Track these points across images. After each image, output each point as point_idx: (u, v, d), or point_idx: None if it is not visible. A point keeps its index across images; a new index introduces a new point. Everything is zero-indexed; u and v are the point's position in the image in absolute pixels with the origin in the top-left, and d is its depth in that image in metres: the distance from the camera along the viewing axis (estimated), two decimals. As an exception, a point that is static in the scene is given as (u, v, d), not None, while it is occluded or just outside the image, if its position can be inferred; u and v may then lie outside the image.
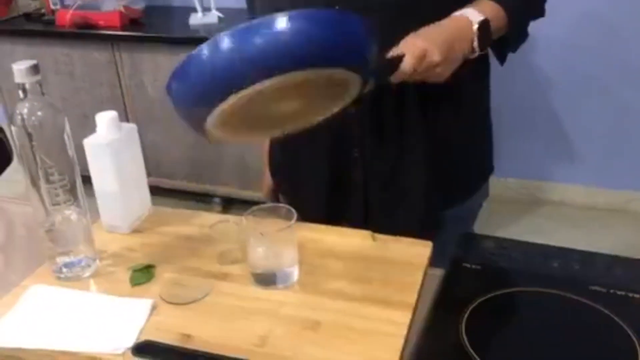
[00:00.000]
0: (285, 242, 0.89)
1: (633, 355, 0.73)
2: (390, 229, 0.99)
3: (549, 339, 0.79)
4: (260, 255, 0.89)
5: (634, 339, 0.76)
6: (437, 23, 0.95)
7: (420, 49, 0.90)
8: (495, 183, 3.18)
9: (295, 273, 0.90)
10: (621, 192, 2.62)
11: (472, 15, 0.97)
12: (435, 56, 0.91)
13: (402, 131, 1.07)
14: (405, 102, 1.05)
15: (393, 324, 0.81)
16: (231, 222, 1.00)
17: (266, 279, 0.90)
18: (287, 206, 0.91)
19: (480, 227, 1.65)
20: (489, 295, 0.85)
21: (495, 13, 1.00)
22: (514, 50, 1.09)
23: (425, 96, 1.04)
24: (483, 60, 1.11)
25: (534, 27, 1.07)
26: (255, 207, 0.91)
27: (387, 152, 1.09)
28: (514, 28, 1.04)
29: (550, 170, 2.83)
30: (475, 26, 0.96)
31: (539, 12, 1.10)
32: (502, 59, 1.10)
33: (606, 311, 0.81)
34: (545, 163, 2.82)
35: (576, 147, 2.76)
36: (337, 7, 0.92)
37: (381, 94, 1.01)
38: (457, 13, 0.98)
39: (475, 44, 0.97)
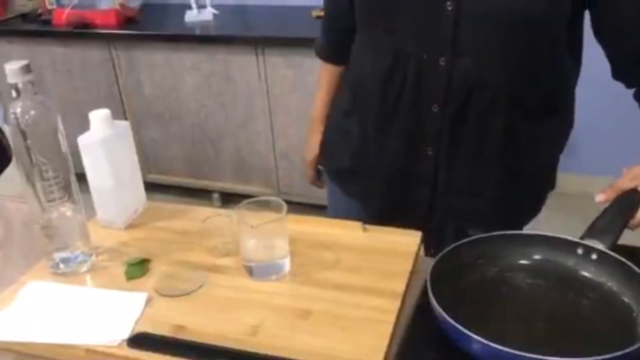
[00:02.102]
0: (276, 234, 0.91)
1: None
2: (449, 222, 1.01)
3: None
4: (252, 247, 0.91)
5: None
6: None
7: None
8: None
9: (287, 264, 0.92)
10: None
11: None
12: None
13: (480, 138, 1.04)
14: (492, 111, 1.03)
15: (382, 312, 0.83)
16: (224, 215, 1.01)
17: (258, 271, 0.91)
18: (278, 199, 0.92)
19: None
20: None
21: None
22: None
23: (514, 109, 1.03)
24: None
25: None
26: (246, 201, 0.93)
27: (463, 155, 1.06)
28: None
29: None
30: None
31: None
32: None
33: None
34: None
35: (574, 135, 2.76)
36: None
37: (468, 98, 1.01)
38: None
39: None
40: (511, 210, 1.12)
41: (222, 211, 1.07)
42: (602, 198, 0.94)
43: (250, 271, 0.92)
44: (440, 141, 1.06)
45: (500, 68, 1.00)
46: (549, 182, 1.22)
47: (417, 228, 0.98)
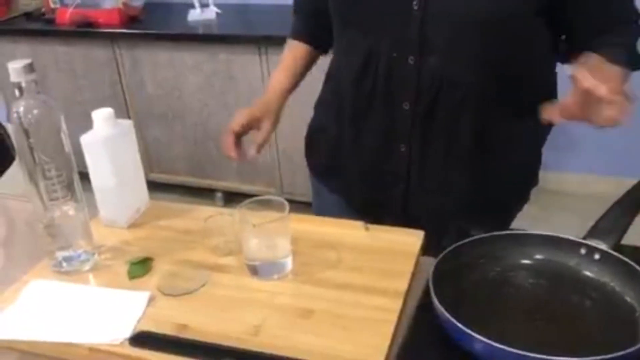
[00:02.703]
0: (278, 233, 0.91)
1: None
2: (428, 219, 1.01)
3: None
4: (254, 247, 0.91)
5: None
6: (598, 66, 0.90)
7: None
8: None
9: (289, 263, 0.92)
10: (620, 179, 2.62)
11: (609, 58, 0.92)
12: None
13: (451, 137, 1.05)
14: (462, 110, 1.04)
15: (384, 311, 0.83)
16: (226, 215, 1.01)
17: (261, 270, 0.92)
18: (280, 198, 0.92)
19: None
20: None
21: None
22: None
23: (486, 109, 1.03)
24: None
25: None
26: (248, 200, 0.93)
27: (434, 153, 1.07)
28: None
29: (546, 159, 2.83)
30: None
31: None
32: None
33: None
34: (543, 151, 2.82)
35: (571, 135, 2.76)
36: None
37: (437, 96, 1.02)
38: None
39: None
40: (488, 209, 1.11)
41: (225, 210, 1.07)
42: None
43: (252, 270, 0.92)
44: (412, 139, 1.07)
45: (468, 67, 1.01)
46: (529, 181, 1.22)
47: (398, 224, 1.00)
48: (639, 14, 1.03)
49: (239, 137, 1.16)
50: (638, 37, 1.03)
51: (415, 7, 0.98)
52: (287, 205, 0.90)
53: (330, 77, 1.21)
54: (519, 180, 1.18)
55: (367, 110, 1.09)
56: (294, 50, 1.25)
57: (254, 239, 0.91)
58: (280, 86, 1.22)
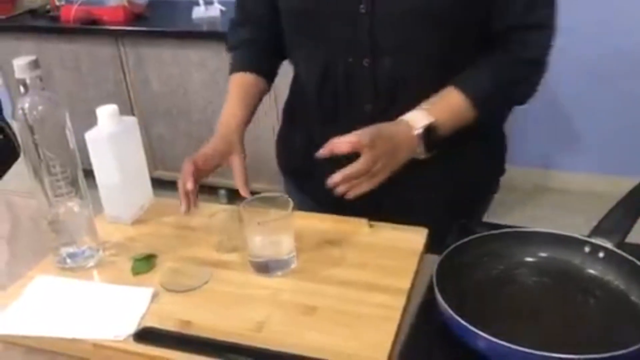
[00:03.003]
0: (282, 230, 0.91)
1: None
2: (400, 216, 1.01)
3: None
4: (258, 244, 0.91)
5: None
6: (382, 124, 0.96)
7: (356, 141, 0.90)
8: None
9: (292, 261, 0.92)
10: (623, 178, 2.62)
11: (417, 121, 0.96)
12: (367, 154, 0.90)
13: None
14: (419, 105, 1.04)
15: (388, 309, 0.83)
16: (230, 211, 1.01)
17: (264, 267, 0.92)
18: (285, 195, 0.92)
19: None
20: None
21: (455, 109, 1.00)
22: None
23: None
24: None
25: None
26: (252, 197, 0.93)
27: None
28: (483, 116, 1.02)
29: (553, 158, 2.83)
30: (417, 131, 0.95)
31: (517, 100, 1.08)
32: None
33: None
34: (547, 151, 2.82)
35: (579, 134, 2.75)
36: None
37: (394, 96, 1.03)
38: (406, 116, 0.98)
39: (420, 149, 0.97)
40: (457, 202, 1.11)
41: (229, 207, 1.07)
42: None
43: (256, 267, 0.92)
44: None
45: (421, 65, 1.01)
46: (496, 170, 1.21)
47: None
48: (551, 21, 1.04)
49: (198, 176, 1.02)
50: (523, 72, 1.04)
51: (363, 11, 0.98)
52: (291, 203, 0.90)
53: (294, 82, 1.20)
54: (486, 171, 1.18)
55: (332, 115, 1.10)
56: (242, 82, 1.16)
57: (258, 236, 0.91)
58: (235, 120, 1.12)
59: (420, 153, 0.98)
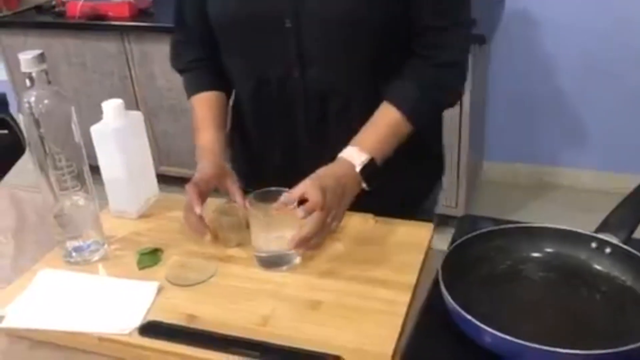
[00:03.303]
0: (288, 225, 0.91)
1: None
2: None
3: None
4: (263, 239, 0.91)
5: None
6: (324, 169, 0.95)
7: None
8: (505, 168, 3.18)
9: (297, 256, 0.92)
10: (631, 175, 2.61)
11: (355, 157, 0.96)
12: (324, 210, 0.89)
13: (345, 144, 1.01)
14: (348, 117, 1.05)
15: (393, 304, 0.83)
16: (234, 205, 1.01)
17: (270, 262, 0.92)
18: (288, 190, 0.92)
19: (489, 211, 1.65)
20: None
21: (391, 131, 1.00)
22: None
23: (372, 108, 1.03)
24: None
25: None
26: (257, 192, 0.93)
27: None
28: (417, 126, 1.02)
29: (560, 155, 2.82)
30: (358, 169, 0.96)
31: (443, 104, 1.08)
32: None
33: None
34: (554, 148, 2.81)
35: (585, 131, 2.74)
36: None
37: (325, 106, 1.05)
38: (344, 154, 0.97)
39: (364, 184, 0.97)
40: (399, 200, 1.08)
41: (234, 202, 1.06)
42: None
43: (261, 262, 0.92)
44: (311, 149, 1.09)
45: (348, 73, 1.03)
46: (436, 167, 1.21)
47: None
48: (463, 19, 1.03)
49: (202, 196, 1.00)
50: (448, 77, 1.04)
51: (289, 25, 1.00)
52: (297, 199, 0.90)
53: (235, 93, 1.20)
54: (425, 166, 1.18)
55: (268, 126, 1.12)
56: (208, 103, 1.15)
57: (263, 231, 0.91)
58: (219, 144, 1.10)
59: (364, 187, 0.97)
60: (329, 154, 0.99)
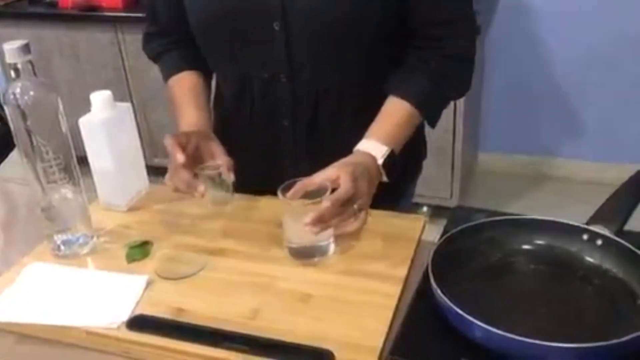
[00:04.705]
0: None
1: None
2: None
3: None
4: (296, 229, 0.89)
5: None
6: (350, 158, 0.94)
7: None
8: (501, 159, 3.17)
9: (331, 246, 0.91)
10: (627, 166, 2.61)
11: (376, 150, 0.96)
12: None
13: (334, 144, 0.99)
14: (340, 119, 1.05)
15: (384, 296, 0.82)
16: (215, 165, 0.99)
17: (302, 253, 0.90)
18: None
19: (485, 202, 1.65)
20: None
21: (402, 121, 1.00)
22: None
23: (361, 114, 1.02)
24: None
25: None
26: (286, 182, 0.90)
27: (322, 164, 0.96)
28: (428, 116, 1.04)
29: (556, 146, 2.81)
30: (380, 161, 0.95)
31: (451, 96, 1.07)
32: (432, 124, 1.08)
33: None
34: (550, 139, 2.80)
35: (581, 122, 2.73)
36: None
37: (315, 108, 1.03)
38: (362, 146, 0.96)
39: (384, 177, 0.96)
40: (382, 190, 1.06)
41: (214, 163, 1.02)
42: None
43: (294, 253, 0.91)
44: (297, 154, 1.08)
45: (340, 76, 1.02)
46: (418, 156, 1.21)
47: None
48: (469, 15, 1.03)
49: (183, 148, 0.95)
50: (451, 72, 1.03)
51: (277, 28, 0.98)
52: (329, 187, 0.88)
53: (215, 95, 1.19)
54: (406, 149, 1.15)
55: (249, 132, 1.10)
56: (188, 84, 1.12)
57: (295, 222, 0.88)
58: (197, 121, 1.07)
59: (384, 179, 0.97)
60: (316, 160, 0.95)
